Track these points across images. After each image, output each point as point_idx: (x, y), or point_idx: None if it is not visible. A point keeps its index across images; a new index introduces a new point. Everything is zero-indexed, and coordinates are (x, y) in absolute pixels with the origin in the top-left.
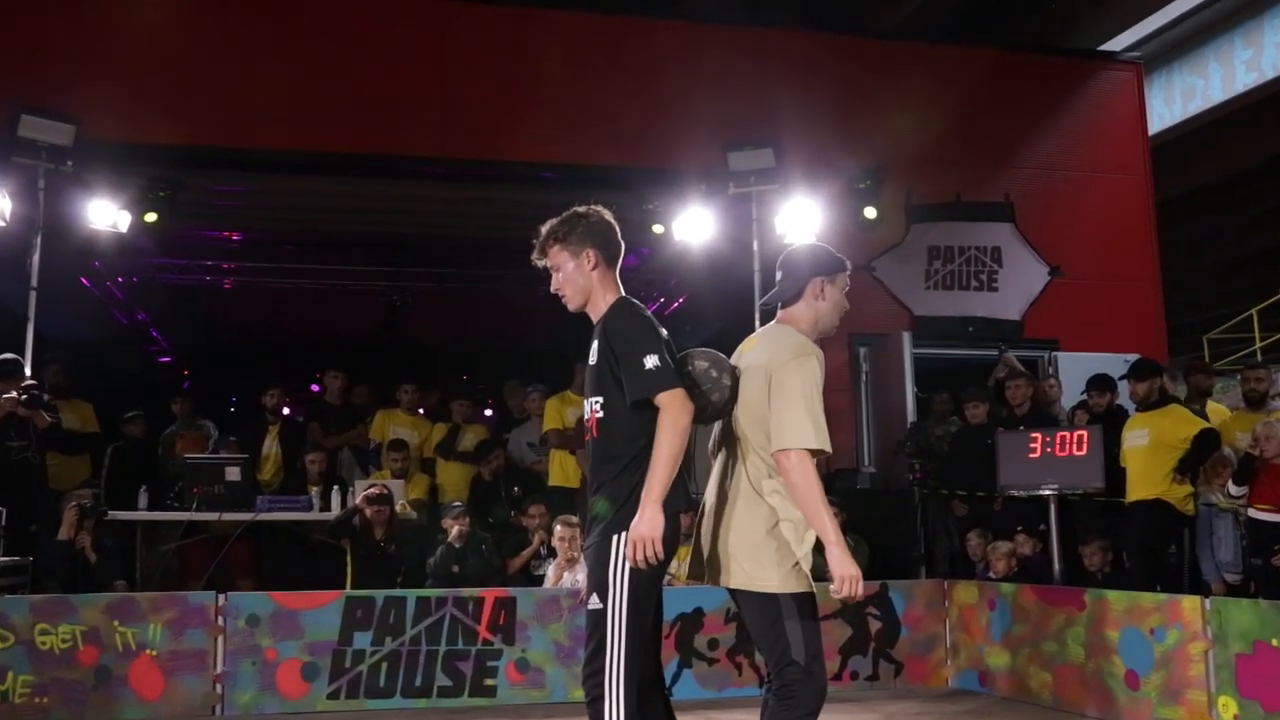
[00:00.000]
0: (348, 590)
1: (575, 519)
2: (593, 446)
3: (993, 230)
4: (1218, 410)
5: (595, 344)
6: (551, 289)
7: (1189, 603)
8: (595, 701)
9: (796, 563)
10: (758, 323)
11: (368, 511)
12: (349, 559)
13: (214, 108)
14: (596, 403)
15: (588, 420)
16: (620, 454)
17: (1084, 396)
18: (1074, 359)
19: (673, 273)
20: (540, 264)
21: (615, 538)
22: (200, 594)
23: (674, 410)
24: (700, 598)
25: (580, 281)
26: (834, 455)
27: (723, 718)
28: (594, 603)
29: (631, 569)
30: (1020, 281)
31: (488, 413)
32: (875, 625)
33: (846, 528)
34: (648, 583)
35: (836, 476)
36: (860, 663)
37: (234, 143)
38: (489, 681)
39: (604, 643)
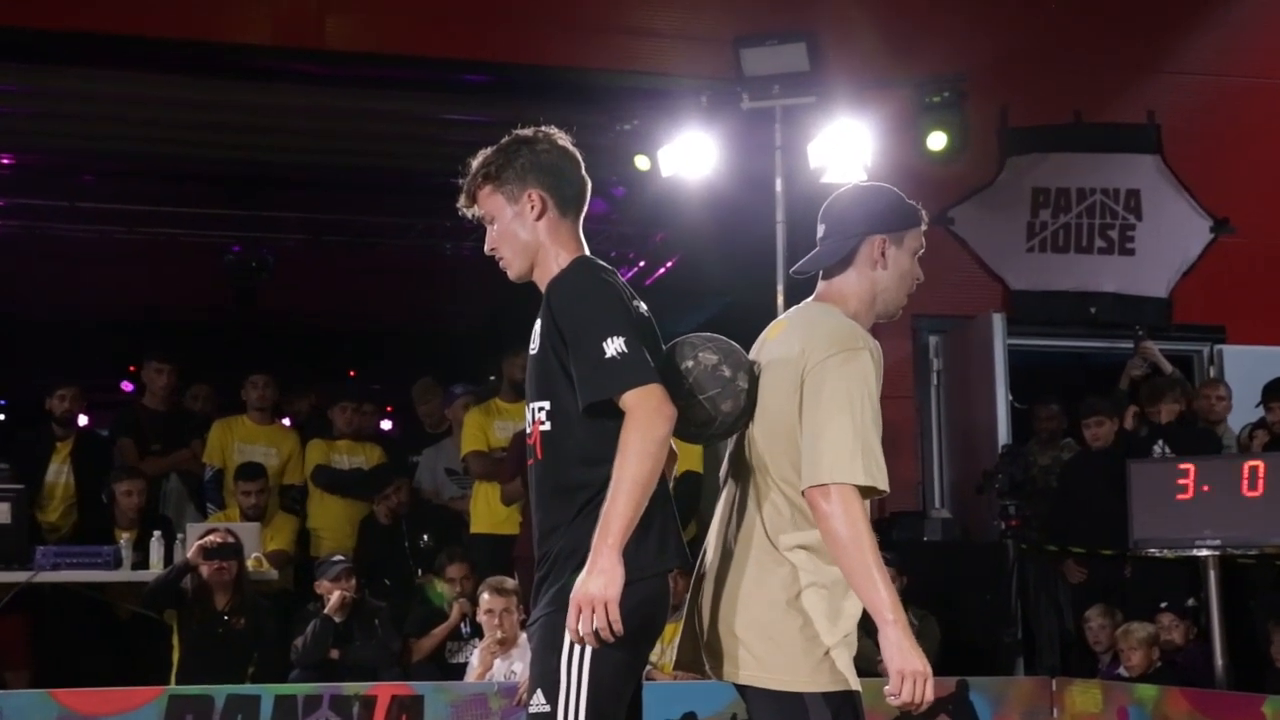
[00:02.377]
0: (172, 685)
1: (512, 582)
2: (537, 474)
3: (1129, 165)
4: None
5: (538, 325)
6: (485, 249)
7: None
8: None
9: (831, 647)
10: (781, 298)
11: (204, 569)
12: (175, 639)
13: None
14: (541, 409)
15: (529, 436)
16: (577, 484)
17: (1261, 410)
18: (1246, 355)
19: (660, 224)
20: (469, 214)
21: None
22: None
23: (645, 416)
24: (694, 697)
25: (521, 237)
26: (891, 493)
27: None
28: (538, 704)
29: (594, 655)
30: (1169, 241)
31: (386, 425)
32: None
33: (909, 599)
34: (617, 675)
35: (895, 523)
36: None
37: None
38: None
39: None
